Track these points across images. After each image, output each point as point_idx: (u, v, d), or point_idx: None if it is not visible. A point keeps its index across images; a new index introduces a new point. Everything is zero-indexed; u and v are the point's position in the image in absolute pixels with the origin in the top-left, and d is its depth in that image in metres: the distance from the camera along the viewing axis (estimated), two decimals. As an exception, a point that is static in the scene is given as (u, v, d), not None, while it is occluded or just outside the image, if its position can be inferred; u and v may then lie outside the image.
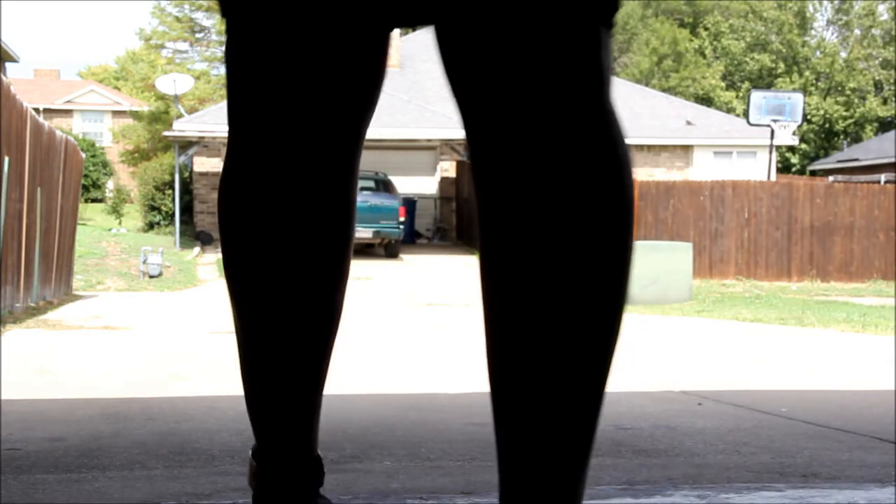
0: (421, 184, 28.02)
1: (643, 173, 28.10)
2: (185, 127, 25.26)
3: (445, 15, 1.01)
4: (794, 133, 26.48)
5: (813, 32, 50.43)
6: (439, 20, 1.03)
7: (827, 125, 46.77)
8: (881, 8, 49.08)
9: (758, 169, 27.47)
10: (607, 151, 0.98)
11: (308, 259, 1.23)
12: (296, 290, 1.25)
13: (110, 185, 36.69)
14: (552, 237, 0.98)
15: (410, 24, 1.09)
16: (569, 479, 1.04)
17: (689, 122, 30.14)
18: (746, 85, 45.66)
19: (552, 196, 0.97)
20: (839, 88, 47.23)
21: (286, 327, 1.29)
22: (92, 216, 30.26)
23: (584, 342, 1.02)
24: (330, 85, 1.14)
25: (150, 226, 27.54)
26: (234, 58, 1.18)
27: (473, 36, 0.99)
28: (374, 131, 25.14)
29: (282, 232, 1.21)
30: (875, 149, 36.13)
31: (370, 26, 1.12)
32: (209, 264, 21.87)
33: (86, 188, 32.54)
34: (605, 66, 0.99)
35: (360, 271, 20.49)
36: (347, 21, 1.10)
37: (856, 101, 47.06)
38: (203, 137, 25.37)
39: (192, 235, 25.81)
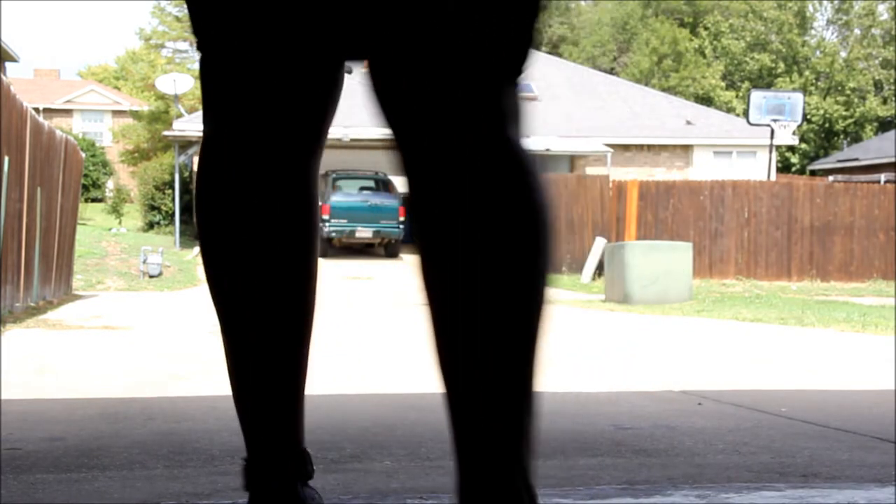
0: (421, 183, 27.96)
1: (643, 173, 28.08)
2: (185, 127, 25.25)
3: (380, 57, 1.20)
4: (793, 133, 26.47)
5: (813, 32, 50.41)
6: (374, 59, 1.21)
7: (827, 125, 46.76)
8: (881, 8, 49.08)
9: (758, 169, 27.46)
10: (508, 170, 1.17)
11: (277, 245, 1.37)
12: (266, 270, 1.37)
13: (110, 184, 36.67)
14: (465, 238, 1.16)
15: (352, 59, 1.31)
16: (510, 444, 1.18)
17: (688, 122, 30.13)
18: (746, 85, 45.64)
19: (463, 207, 1.15)
20: (839, 88, 47.22)
21: (260, 314, 1.38)
22: (92, 216, 30.24)
23: (504, 331, 1.17)
24: (286, 100, 1.32)
25: (150, 225, 27.54)
26: (203, 72, 1.37)
27: (399, 81, 1.18)
28: (374, 131, 25.14)
29: (252, 219, 1.35)
30: (875, 148, 36.12)
31: (319, 58, 1.32)
32: (209, 264, 21.85)
33: (86, 188, 32.53)
34: (507, 106, 1.18)
35: (360, 271, 20.49)
36: (298, 52, 1.29)
37: (856, 100, 47.04)
38: (203, 137, 25.35)
39: (192, 235, 25.81)
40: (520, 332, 1.16)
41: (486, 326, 1.16)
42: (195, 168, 26.99)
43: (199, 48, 1.35)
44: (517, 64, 1.20)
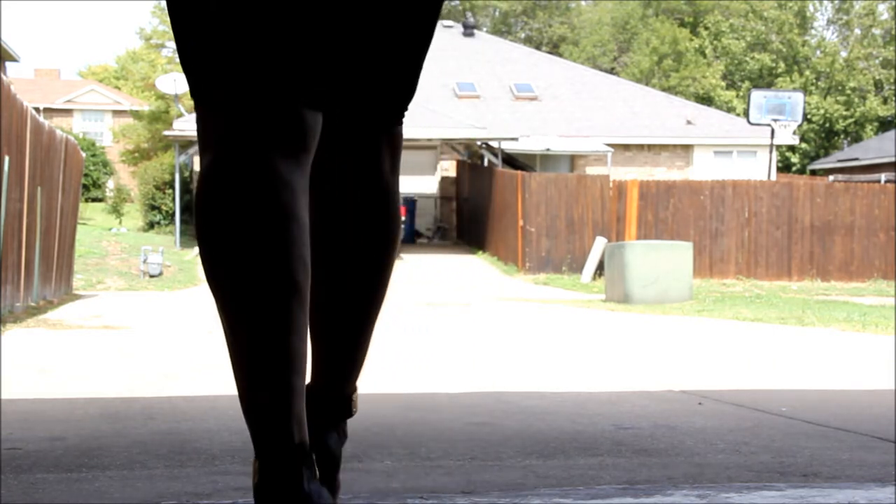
0: (421, 183, 28.00)
1: (643, 173, 28.09)
2: (185, 126, 25.21)
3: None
4: (794, 132, 26.48)
5: (813, 32, 50.41)
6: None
7: (827, 124, 46.75)
8: (881, 7, 49.07)
9: (758, 168, 27.46)
10: (380, 199, 1.72)
11: (276, 238, 1.46)
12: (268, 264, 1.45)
13: (111, 184, 36.64)
14: (353, 239, 1.71)
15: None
16: (349, 365, 1.80)
17: (689, 122, 30.13)
18: (746, 84, 45.64)
19: (349, 220, 1.70)
20: (839, 88, 47.21)
21: (261, 303, 1.44)
22: (92, 216, 30.22)
23: (365, 290, 1.78)
24: (278, 132, 1.49)
25: (151, 225, 27.52)
26: (203, 123, 1.52)
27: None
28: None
29: (252, 216, 1.44)
30: (875, 148, 36.12)
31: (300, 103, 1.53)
32: (209, 264, 21.83)
33: (86, 188, 32.51)
34: (383, 148, 1.72)
35: (361, 271, 20.43)
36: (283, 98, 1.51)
37: (856, 100, 47.03)
38: (203, 137, 25.28)
39: (193, 235, 25.79)
40: (369, 295, 1.78)
41: (350, 284, 1.74)
42: (195, 168, 27.01)
43: (199, 104, 1.51)
44: (397, 116, 1.74)
